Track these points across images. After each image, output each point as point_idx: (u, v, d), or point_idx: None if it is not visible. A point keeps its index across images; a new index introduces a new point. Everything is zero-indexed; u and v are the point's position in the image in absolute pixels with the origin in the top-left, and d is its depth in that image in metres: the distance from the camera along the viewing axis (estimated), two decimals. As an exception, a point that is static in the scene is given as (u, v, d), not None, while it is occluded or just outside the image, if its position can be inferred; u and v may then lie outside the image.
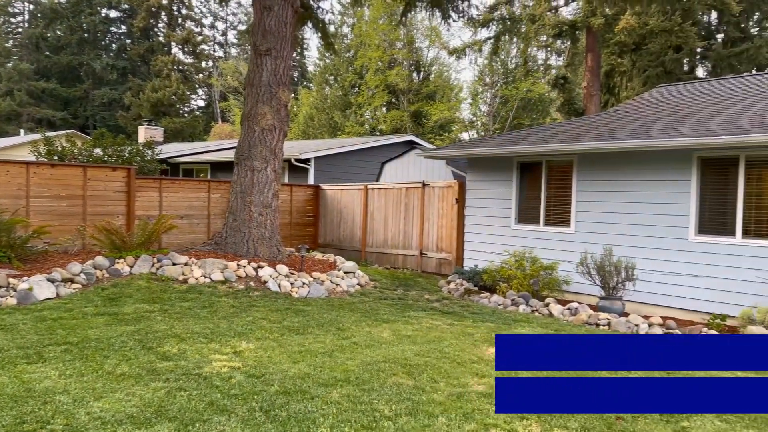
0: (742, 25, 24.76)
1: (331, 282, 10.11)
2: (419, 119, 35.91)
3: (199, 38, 50.92)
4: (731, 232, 8.79)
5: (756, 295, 8.32)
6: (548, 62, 36.81)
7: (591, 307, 9.63)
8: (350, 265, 11.13)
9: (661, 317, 8.87)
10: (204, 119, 49.88)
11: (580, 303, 9.54)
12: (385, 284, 11.31)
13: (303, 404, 4.65)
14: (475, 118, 37.72)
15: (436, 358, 6.16)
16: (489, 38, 25.23)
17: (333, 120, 38.84)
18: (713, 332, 7.62)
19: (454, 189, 12.92)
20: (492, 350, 6.60)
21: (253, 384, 5.06)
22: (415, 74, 37.55)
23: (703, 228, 9.10)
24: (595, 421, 4.57)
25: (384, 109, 38.28)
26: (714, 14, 25.69)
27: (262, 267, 10.06)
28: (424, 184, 13.60)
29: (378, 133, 36.64)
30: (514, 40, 31.20)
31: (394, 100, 37.28)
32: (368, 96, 36.91)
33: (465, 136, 37.63)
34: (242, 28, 55.36)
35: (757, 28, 25.56)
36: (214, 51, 55.62)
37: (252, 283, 9.54)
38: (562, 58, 31.30)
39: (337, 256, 12.72)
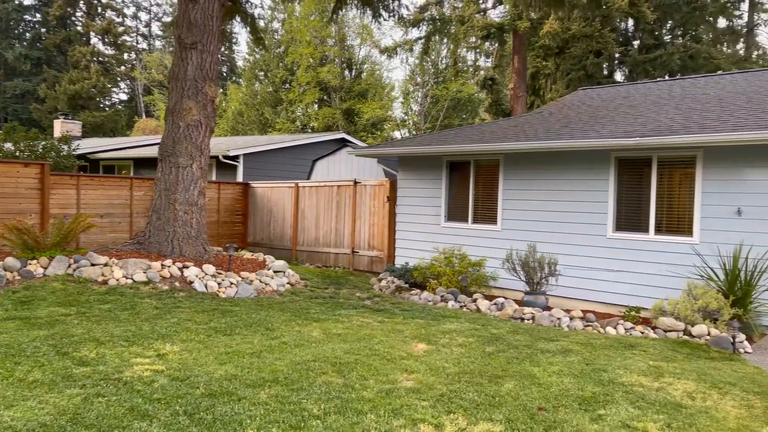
0: (656, 33, 26.16)
1: (261, 281, 9.94)
2: (351, 117, 35.90)
3: (121, 29, 48.75)
4: (645, 229, 9.28)
5: (667, 288, 8.82)
6: (477, 63, 37.62)
7: (517, 301, 9.92)
8: (280, 264, 10.98)
9: (582, 311, 9.25)
10: (127, 114, 47.82)
11: (506, 298, 9.81)
12: (317, 283, 11.23)
13: (229, 406, 4.55)
14: (406, 117, 38.11)
15: (366, 355, 6.17)
16: (420, 38, 25.53)
17: (263, 116, 38.20)
18: (629, 324, 8.02)
19: (385, 187, 12.99)
20: (422, 346, 6.68)
21: (177, 387, 4.90)
22: (347, 72, 37.51)
23: (620, 225, 9.56)
24: (519, 413, 4.71)
25: (316, 106, 38.02)
26: (631, 22, 27.02)
27: (187, 267, 9.76)
28: (355, 182, 13.59)
29: (310, 131, 36.35)
30: (444, 40, 31.72)
31: (325, 97, 37.09)
32: (299, 93, 36.55)
33: (397, 134, 37.95)
34: (167, 19, 53.45)
35: (669, 36, 27.11)
36: (138, 43, 53.43)
37: (177, 284, 9.23)
38: (490, 60, 32.08)
39: (267, 255, 12.52)
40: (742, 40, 27.17)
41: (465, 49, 32.05)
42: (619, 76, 27.74)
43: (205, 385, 4.98)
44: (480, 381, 5.50)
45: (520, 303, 9.39)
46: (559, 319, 8.29)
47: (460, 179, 11.59)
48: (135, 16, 54.21)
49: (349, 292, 10.47)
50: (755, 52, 26.87)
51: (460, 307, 9.42)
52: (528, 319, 8.48)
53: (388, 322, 7.97)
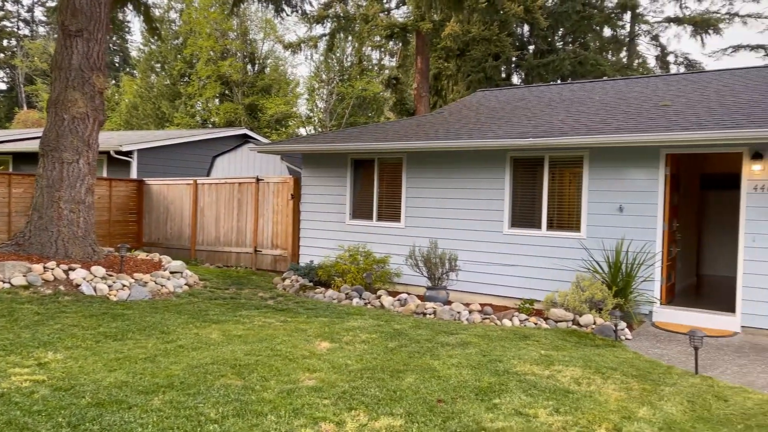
0: (549, 39, 27.60)
1: (156, 283, 9.48)
2: (254, 113, 35.11)
3: (0, 13, 44.83)
4: (538, 225, 9.77)
5: (558, 281, 9.33)
6: (382, 62, 38.01)
7: (419, 297, 10.13)
8: (177, 264, 10.53)
9: (481, 304, 9.59)
10: (6, 105, 44.06)
11: (409, 294, 9.98)
12: (217, 283, 10.88)
13: (119, 415, 4.29)
14: (312, 114, 37.82)
15: (268, 356, 6.05)
16: (324, 35, 25.40)
17: (160, 110, 36.51)
18: (523, 316, 8.40)
19: (289, 184, 12.81)
20: (325, 344, 6.64)
21: (60, 398, 4.56)
22: (249, 66, 36.64)
23: (516, 221, 10.00)
24: (419, 406, 4.79)
25: (217, 100, 36.83)
26: (527, 27, 28.33)
27: (74, 269, 9.13)
28: (258, 180, 13.30)
29: (211, 126, 35.15)
30: (349, 38, 31.77)
31: (227, 91, 36.02)
32: (199, 86, 35.26)
33: (302, 131, 37.57)
34: (51, 4, 49.74)
35: (561, 43, 28.69)
36: (19, 29, 49.33)
37: (62, 287, 8.61)
38: (394, 60, 32.49)
39: (163, 255, 11.97)
40: (625, 48, 29.24)
41: (370, 48, 32.27)
42: (516, 79, 29.01)
43: (91, 394, 4.67)
44: (382, 376, 5.55)
45: (423, 298, 9.59)
46: (458, 313, 8.54)
47: (365, 177, 11.65)
48: (16, 1, 49.98)
49: (251, 292, 10.23)
50: (636, 61, 29.02)
51: (365, 304, 9.47)
52: (430, 314, 8.67)
53: (291, 321, 7.87)
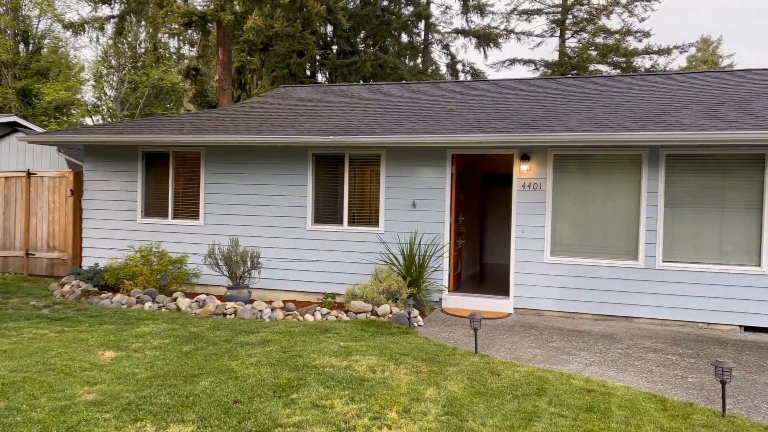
0: (352, 41, 28.49)
1: None
2: (29, 98, 30.96)
3: None
4: (340, 221, 10.01)
5: (359, 274, 9.67)
6: (182, 51, 35.97)
7: (220, 297, 9.78)
8: (-77, 272, 8.86)
9: (285, 300, 9.57)
10: None
11: (209, 294, 9.59)
12: (-23, 293, 9.38)
13: None
14: (100, 103, 34.44)
15: (39, 371, 5.36)
16: (112, 17, 23.25)
17: None
18: (325, 310, 8.54)
19: (68, 179, 11.49)
20: (109, 354, 6.08)
21: None
22: (22, 46, 32.20)
23: (319, 217, 10.14)
24: (213, 410, 4.61)
25: (-20, 83, 31.73)
26: (330, 27, 28.89)
27: None
28: (29, 174, 11.73)
29: (-28, 111, 30.18)
30: (143, 23, 29.53)
31: (-6, 73, 31.23)
32: (-43, 65, 30.08)
33: (88, 121, 34.03)
34: None
35: (363, 45, 29.79)
36: None
37: None
38: (195, 49, 30.95)
39: None
40: (420, 55, 31.31)
41: (167, 35, 30.32)
42: (321, 77, 29.42)
43: None
44: (174, 383, 5.24)
45: (224, 298, 9.27)
46: (260, 311, 8.40)
47: (159, 172, 10.91)
48: None
49: (21, 301, 8.99)
50: (431, 67, 31.25)
51: (159, 307, 8.86)
52: (230, 314, 8.41)
53: (70, 331, 7.07)
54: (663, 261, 8.54)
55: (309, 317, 8.33)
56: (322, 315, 8.43)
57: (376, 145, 9.46)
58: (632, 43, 30.79)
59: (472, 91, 12.34)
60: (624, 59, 30.49)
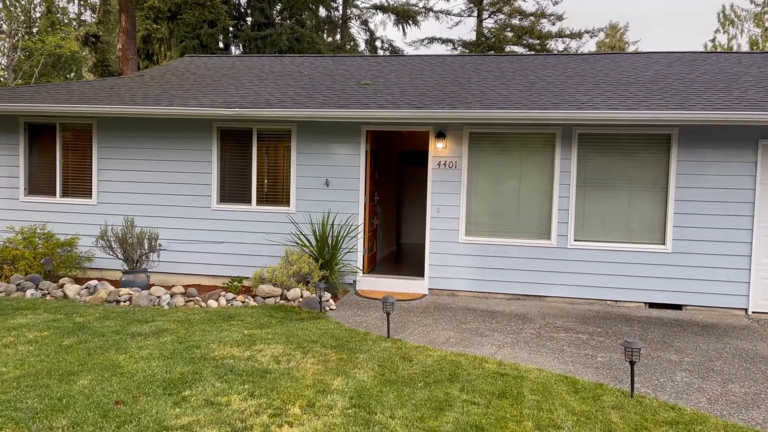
0: (267, 13, 27.34)
1: None
2: None
3: None
4: (248, 200, 9.44)
5: (269, 256, 9.17)
6: (84, 18, 33.36)
7: (115, 283, 9.03)
8: None
9: (186, 285, 8.94)
10: None
11: (101, 280, 8.81)
12: None
13: None
14: (-12, 71, 31.41)
15: None
16: (-2, -26, 21.00)
17: None
18: (231, 295, 8.00)
19: (-62, 152, 10.17)
20: (-27, 351, 5.32)
21: None
22: None
23: (225, 196, 9.51)
24: (89, 413, 4.06)
25: None
26: (245, -1, 27.59)
27: None
28: None
29: None
30: (36, -17, 26.98)
31: None
32: None
33: (-26, 90, 30.93)
34: None
35: (279, 18, 28.69)
36: None
37: None
38: (96, 14, 28.72)
39: None
40: (338, 30, 30.58)
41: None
42: (234, 50, 28.12)
43: None
44: (48, 382, 4.62)
45: (119, 284, 8.52)
46: (159, 297, 7.76)
47: (44, 145, 9.85)
48: None
49: None
50: (349, 44, 30.61)
51: (43, 295, 8.00)
52: (125, 301, 7.70)
53: (-71, 325, 6.19)
54: (575, 240, 8.61)
55: (212, 303, 7.77)
56: (227, 300, 7.89)
57: (286, 118, 8.93)
58: (546, 25, 31.53)
59: (388, 66, 11.98)
60: (538, 41, 31.18)
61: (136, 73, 12.25)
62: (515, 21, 31.60)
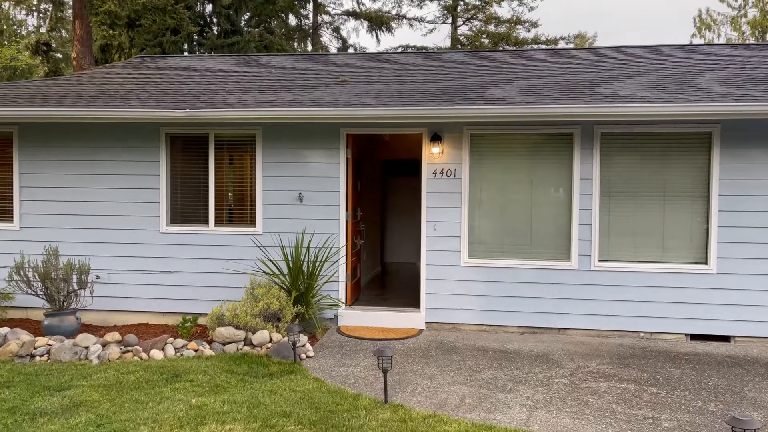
0: (234, 20, 25.80)
1: None
2: None
3: None
4: (205, 220, 7.83)
5: (230, 287, 7.57)
6: (39, 27, 31.38)
7: (39, 326, 7.28)
8: None
9: (132, 325, 7.28)
10: None
11: (23, 322, 7.09)
12: None
13: None
14: (-69, 84, 29.12)
15: None
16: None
17: None
18: (181, 341, 6.32)
19: None
20: None
21: None
22: None
23: (176, 216, 7.88)
24: None
25: None
26: (210, 7, 26.06)
27: None
28: None
29: None
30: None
31: None
32: None
33: None
34: None
35: (247, 26, 27.14)
36: None
37: None
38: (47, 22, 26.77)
39: None
40: (309, 38, 29.12)
41: (12, 5, 25.96)
42: (199, 59, 26.44)
43: None
44: None
45: (41, 330, 6.81)
46: (86, 348, 6.07)
47: (-45, 159, 8.11)
48: None
49: None
50: (320, 52, 29.18)
51: (-63, 349, 6.24)
52: (41, 355, 6.00)
53: None
54: (599, 261, 7.17)
55: (156, 354, 6.09)
56: (175, 349, 6.23)
57: (249, 121, 7.36)
58: (522, 32, 30.57)
59: (368, 63, 10.48)
60: (515, 48, 30.13)
61: (72, 74, 10.58)
62: (491, 27, 30.58)
